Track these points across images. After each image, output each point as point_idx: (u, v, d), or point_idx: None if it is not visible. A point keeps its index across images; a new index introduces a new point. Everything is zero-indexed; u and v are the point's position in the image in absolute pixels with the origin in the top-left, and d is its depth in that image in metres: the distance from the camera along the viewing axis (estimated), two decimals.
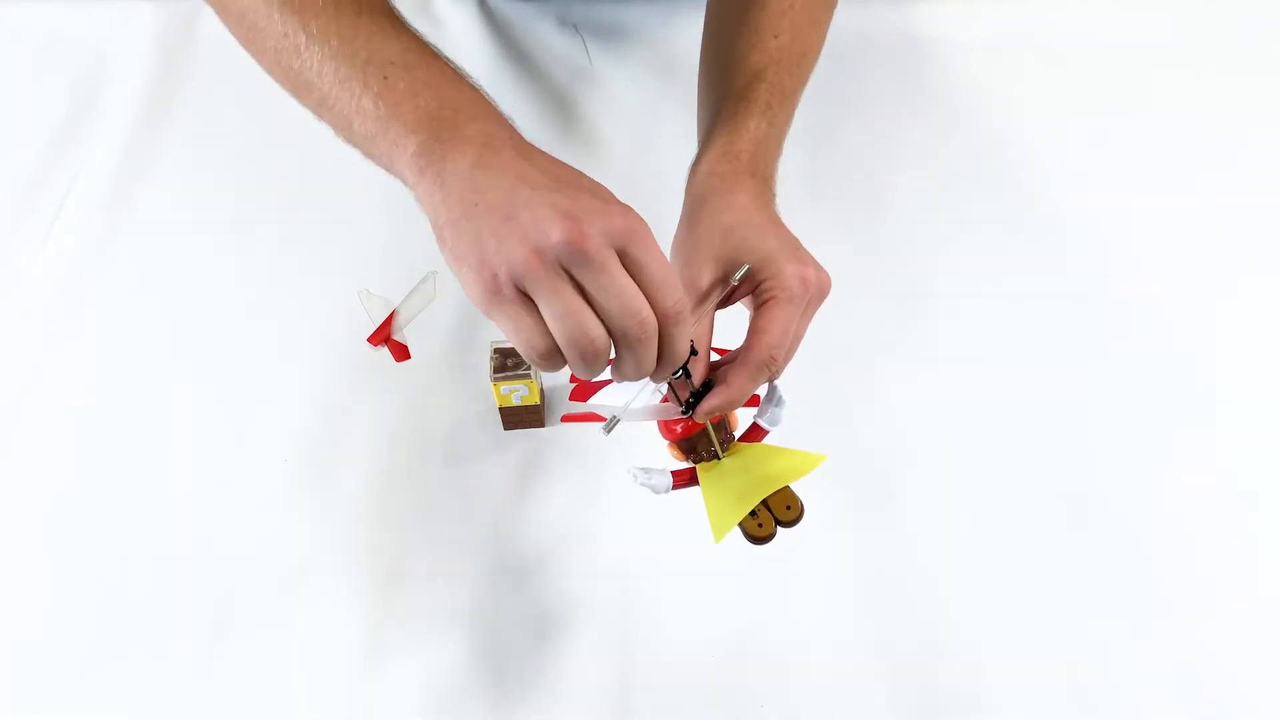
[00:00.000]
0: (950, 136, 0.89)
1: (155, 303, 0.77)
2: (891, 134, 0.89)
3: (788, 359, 0.52)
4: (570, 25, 0.96)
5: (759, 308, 0.51)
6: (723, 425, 0.55)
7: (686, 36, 0.95)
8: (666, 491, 0.54)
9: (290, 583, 0.64)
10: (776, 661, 0.60)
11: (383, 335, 0.75)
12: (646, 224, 0.43)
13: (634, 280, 0.42)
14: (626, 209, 0.43)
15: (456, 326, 0.76)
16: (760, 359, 0.50)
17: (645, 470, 0.53)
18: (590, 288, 0.42)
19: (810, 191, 0.83)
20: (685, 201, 0.57)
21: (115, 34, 0.95)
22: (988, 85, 0.93)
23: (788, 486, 0.52)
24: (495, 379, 0.65)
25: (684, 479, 0.54)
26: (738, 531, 0.52)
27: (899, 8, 0.99)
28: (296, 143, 0.87)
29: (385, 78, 0.51)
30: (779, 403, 0.54)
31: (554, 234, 0.41)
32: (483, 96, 0.52)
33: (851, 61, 0.93)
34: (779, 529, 0.52)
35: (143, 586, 0.64)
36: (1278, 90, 0.93)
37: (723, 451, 0.54)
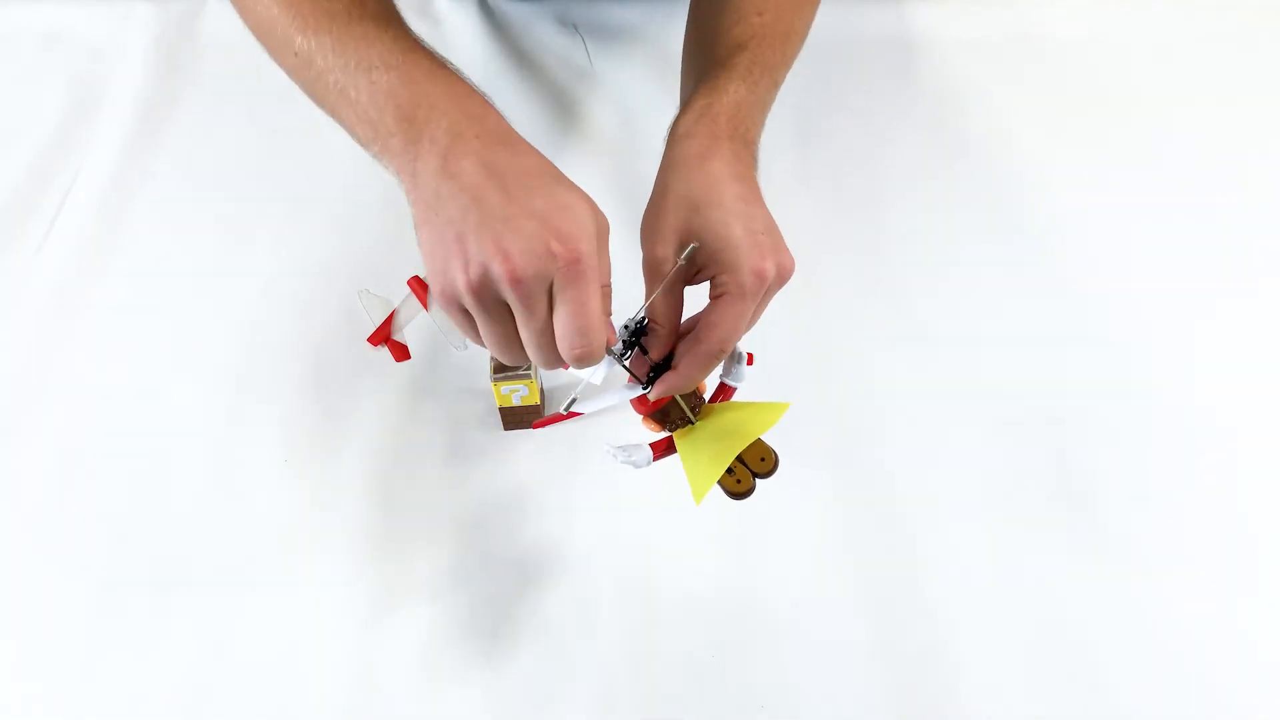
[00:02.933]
0: (945, 135, 0.89)
1: (155, 302, 0.77)
2: (886, 132, 0.89)
3: (741, 336, 0.53)
4: (570, 25, 0.96)
5: (713, 300, 0.51)
6: (692, 391, 0.56)
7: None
8: (648, 464, 0.55)
9: (290, 582, 0.64)
10: (777, 661, 0.60)
11: (383, 335, 0.75)
12: (591, 251, 0.45)
13: (554, 316, 0.46)
14: (573, 237, 0.45)
15: None
16: (710, 350, 0.51)
17: (624, 448, 0.54)
18: (516, 315, 0.47)
19: (804, 189, 0.83)
20: (660, 165, 0.56)
21: (115, 34, 0.96)
22: (983, 84, 0.93)
23: (760, 439, 0.53)
24: (495, 379, 0.65)
25: (662, 448, 0.55)
26: (720, 495, 0.53)
27: (895, 7, 0.99)
28: (296, 143, 0.88)
29: (371, 81, 0.53)
30: (739, 359, 0.55)
31: (492, 268, 0.45)
32: (458, 86, 0.53)
33: (846, 60, 0.93)
34: (757, 481, 0.53)
35: (142, 586, 0.64)
36: (1274, 91, 0.93)
37: (694, 416, 0.55)
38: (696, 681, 0.60)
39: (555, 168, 0.49)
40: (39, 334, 0.75)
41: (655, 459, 0.55)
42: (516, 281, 0.45)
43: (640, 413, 0.56)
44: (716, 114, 0.56)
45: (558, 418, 0.58)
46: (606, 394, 0.55)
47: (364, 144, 0.55)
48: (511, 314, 0.47)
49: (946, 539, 0.65)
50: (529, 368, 0.65)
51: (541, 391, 0.68)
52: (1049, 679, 0.60)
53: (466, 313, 0.49)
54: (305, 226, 0.82)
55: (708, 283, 0.52)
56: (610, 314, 0.49)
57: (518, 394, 0.66)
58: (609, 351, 0.50)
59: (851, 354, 0.74)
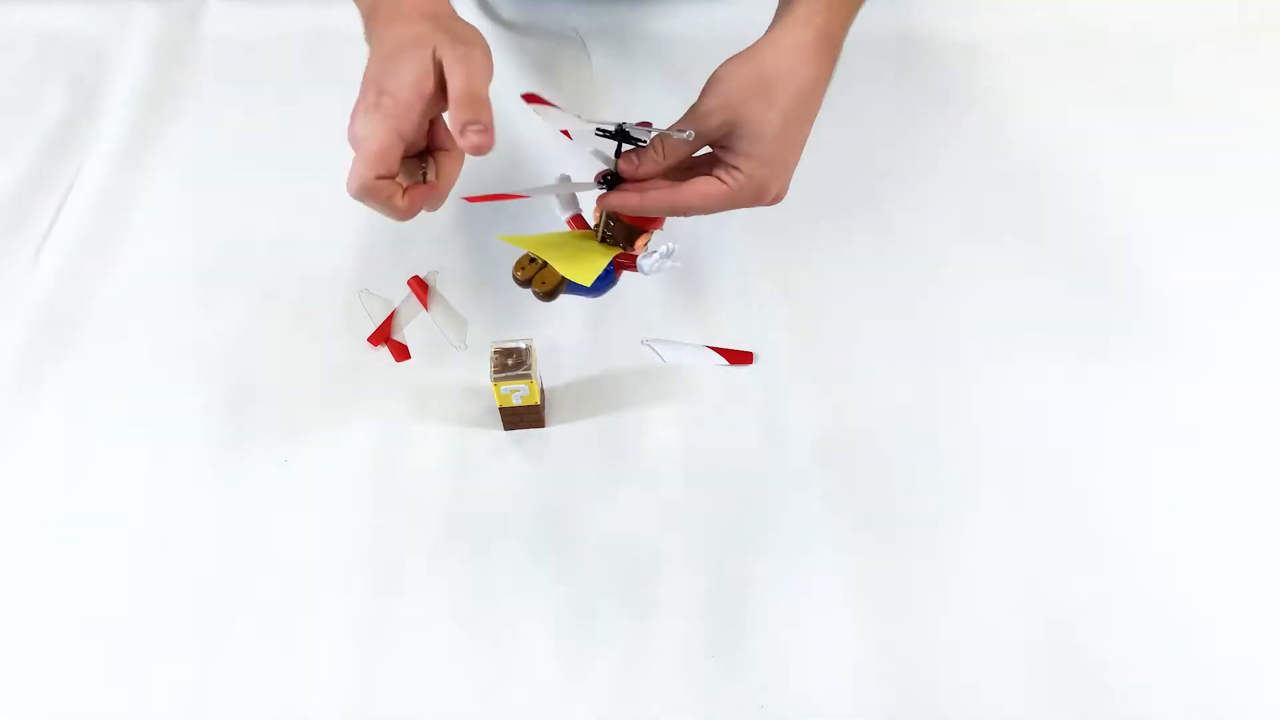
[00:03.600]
0: (950, 134, 0.89)
1: (155, 302, 0.77)
2: (890, 132, 0.89)
3: (700, 214, 0.59)
4: (570, 26, 0.96)
5: (711, 177, 0.56)
6: (624, 230, 0.61)
7: (686, 36, 0.95)
8: (562, 216, 0.64)
9: (290, 582, 0.64)
10: (777, 661, 0.60)
11: (383, 335, 0.75)
12: (373, 186, 0.54)
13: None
14: (357, 175, 0.54)
15: None
16: (677, 204, 0.57)
17: (579, 186, 0.62)
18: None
19: (808, 192, 0.82)
20: (769, 32, 0.58)
21: (115, 34, 0.96)
22: (987, 83, 0.93)
23: (558, 271, 0.60)
24: (495, 379, 0.65)
25: (574, 224, 0.64)
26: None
27: (896, 7, 0.99)
28: (296, 142, 0.88)
29: None
30: (666, 255, 0.59)
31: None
32: None
33: (849, 61, 0.93)
34: (530, 289, 0.62)
35: (142, 586, 0.64)
36: (1275, 90, 0.93)
37: (600, 236, 0.62)
38: (696, 681, 0.60)
39: (409, 28, 0.55)
40: (39, 335, 0.75)
41: (567, 220, 0.64)
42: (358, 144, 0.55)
43: (571, 227, 0.64)
44: (830, 15, 0.58)
45: (498, 197, 0.61)
46: (564, 185, 0.62)
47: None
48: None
49: (947, 539, 0.65)
50: (529, 367, 0.65)
51: (542, 391, 0.68)
52: (1049, 679, 0.60)
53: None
54: (305, 226, 0.82)
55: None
56: (470, 121, 0.51)
57: (518, 394, 0.66)
58: (592, 123, 0.55)
59: (848, 353, 0.74)
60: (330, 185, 0.84)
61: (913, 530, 0.66)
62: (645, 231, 0.61)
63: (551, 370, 0.73)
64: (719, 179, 0.56)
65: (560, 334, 0.74)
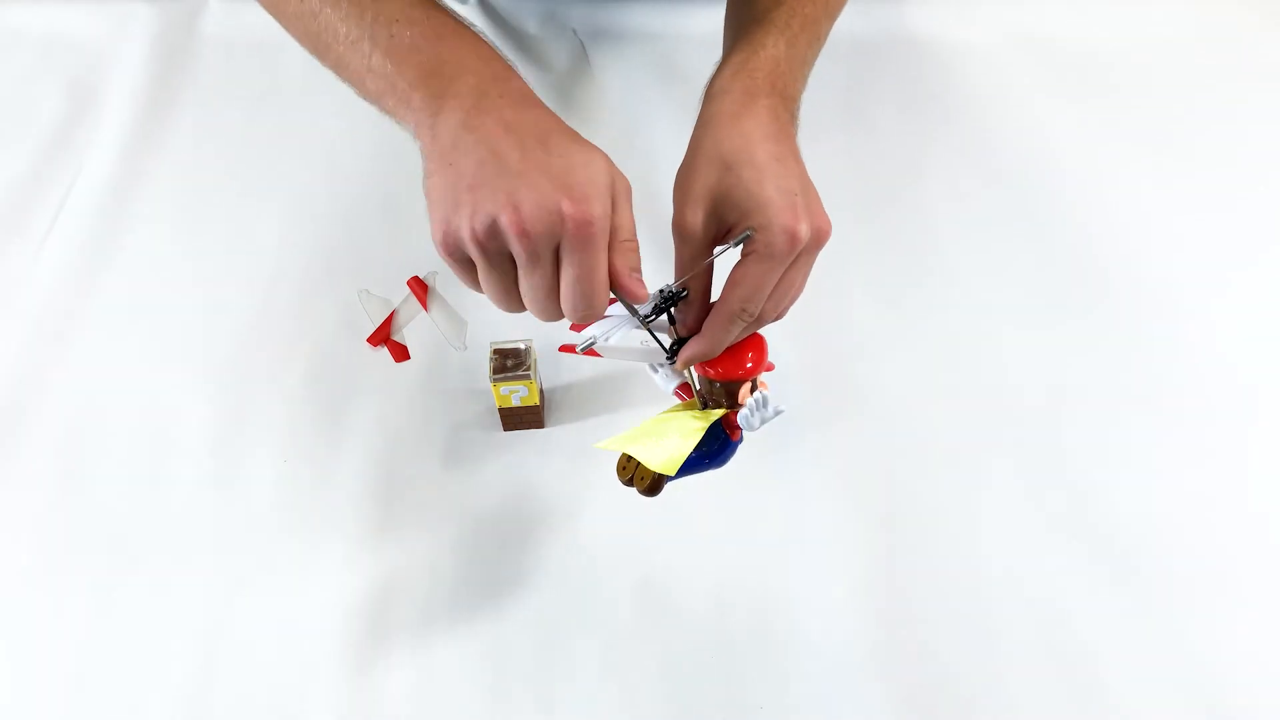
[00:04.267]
0: (950, 136, 0.89)
1: (155, 302, 0.77)
2: (890, 134, 0.89)
3: (781, 307, 0.52)
4: (569, 27, 0.96)
5: (742, 258, 0.50)
6: (722, 388, 0.54)
7: (684, 36, 0.95)
8: (668, 389, 0.57)
9: (290, 582, 0.64)
10: (777, 661, 0.60)
11: (382, 335, 0.75)
12: (602, 214, 0.45)
13: (559, 275, 0.46)
14: (586, 198, 0.44)
15: None
16: (732, 310, 0.50)
17: (663, 363, 0.54)
18: (520, 269, 0.47)
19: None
20: (696, 122, 0.54)
21: (115, 34, 0.96)
22: (987, 85, 0.93)
23: (641, 464, 0.53)
24: (495, 379, 0.65)
25: (683, 393, 0.57)
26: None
27: (896, 7, 0.99)
28: (296, 143, 0.88)
29: (391, 35, 0.53)
30: (761, 405, 0.51)
31: (501, 221, 0.45)
32: (482, 46, 0.53)
33: (850, 62, 0.94)
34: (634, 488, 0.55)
35: (141, 586, 0.64)
36: (1278, 89, 0.93)
37: (705, 405, 0.55)
38: (696, 681, 0.60)
39: (574, 131, 0.49)
40: (39, 334, 0.75)
41: (675, 391, 0.57)
42: (523, 235, 0.44)
43: (681, 399, 0.57)
44: (753, 69, 0.55)
45: (574, 349, 0.56)
46: (633, 347, 0.54)
47: (373, 97, 0.54)
48: (514, 266, 0.47)
49: (951, 539, 0.65)
50: (529, 368, 0.65)
51: (541, 392, 0.68)
52: (1050, 679, 0.60)
53: (468, 262, 0.48)
54: (305, 227, 0.82)
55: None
56: (638, 270, 0.48)
57: (517, 394, 0.66)
58: (632, 311, 0.49)
59: (855, 355, 0.74)
60: (330, 185, 0.85)
61: (914, 529, 0.66)
62: (743, 381, 0.54)
63: (551, 371, 0.73)
64: (753, 250, 0.49)
65: (560, 334, 0.74)
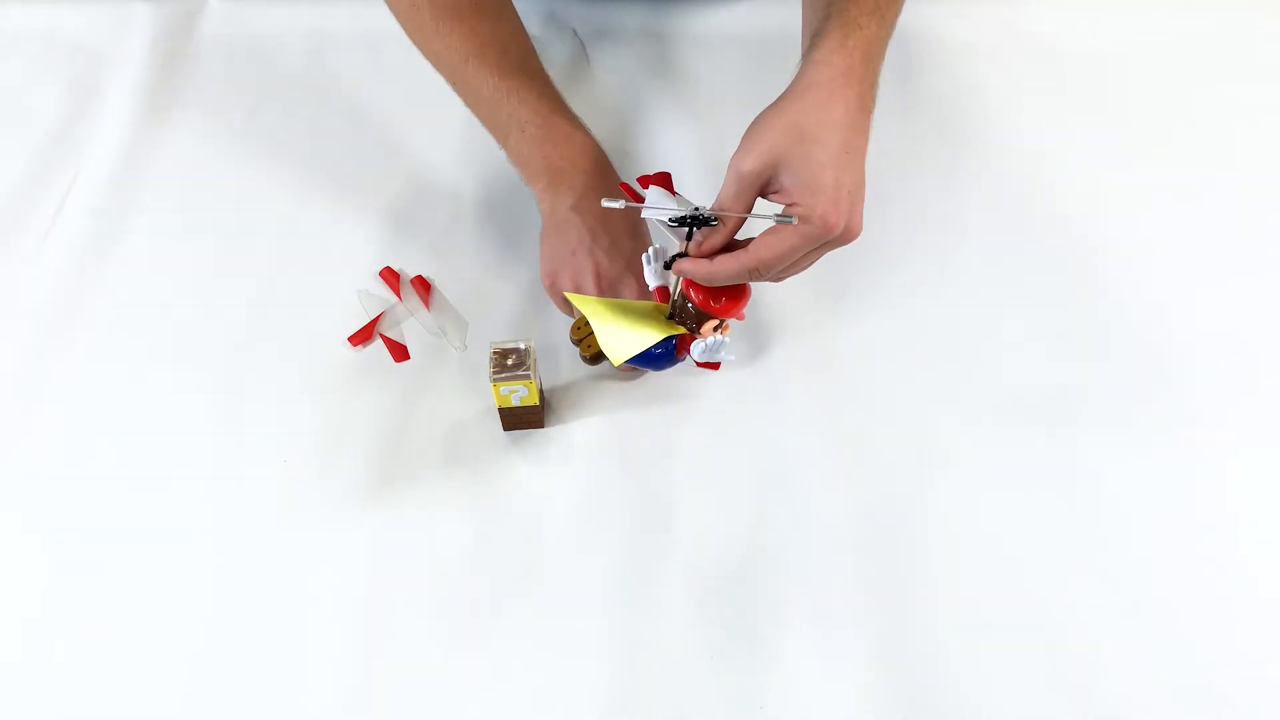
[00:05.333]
0: (948, 135, 0.89)
1: (155, 303, 0.77)
2: (888, 133, 0.88)
3: (781, 278, 0.59)
4: (569, 27, 0.96)
5: (779, 227, 0.54)
6: (692, 310, 0.61)
7: (685, 36, 0.95)
8: (651, 283, 0.64)
9: (290, 582, 0.64)
10: (777, 661, 0.60)
11: (365, 335, 0.75)
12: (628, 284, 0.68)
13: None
14: (622, 272, 0.69)
15: None
16: (748, 264, 0.55)
17: (666, 259, 0.61)
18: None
19: None
20: (792, 83, 0.57)
21: (114, 34, 0.95)
22: (984, 86, 0.93)
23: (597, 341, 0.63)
24: (495, 379, 0.65)
25: (660, 296, 0.64)
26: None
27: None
28: (296, 143, 0.88)
29: (522, 132, 0.72)
30: (716, 347, 0.59)
31: (587, 279, 0.69)
32: (591, 147, 0.73)
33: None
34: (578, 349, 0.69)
35: (141, 586, 0.64)
36: (1277, 92, 0.93)
37: (671, 316, 0.63)
38: (696, 681, 0.60)
39: (642, 222, 0.71)
40: (39, 334, 0.75)
41: (653, 288, 0.64)
42: (601, 281, 0.69)
43: (656, 299, 0.64)
44: (852, 49, 0.57)
45: (631, 193, 0.63)
46: (662, 221, 0.59)
47: (508, 157, 0.74)
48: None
49: (950, 539, 0.65)
50: (528, 368, 0.65)
51: (541, 392, 0.68)
52: (1050, 680, 0.60)
53: (560, 297, 0.70)
54: (304, 226, 0.82)
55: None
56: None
57: (517, 394, 0.66)
58: (663, 221, 0.57)
59: (853, 354, 0.74)
60: (330, 185, 0.85)
61: (916, 530, 0.66)
62: (714, 320, 0.60)
63: (551, 371, 0.73)
64: (789, 223, 0.54)
65: (560, 335, 0.74)
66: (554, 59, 0.94)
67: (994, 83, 0.93)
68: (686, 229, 0.57)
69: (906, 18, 0.98)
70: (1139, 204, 0.84)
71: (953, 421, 0.71)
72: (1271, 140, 0.89)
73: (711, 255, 0.58)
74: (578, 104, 0.82)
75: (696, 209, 0.56)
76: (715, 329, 0.59)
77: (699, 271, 0.58)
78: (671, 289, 0.63)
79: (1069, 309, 0.77)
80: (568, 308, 0.70)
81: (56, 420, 0.71)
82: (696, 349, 0.60)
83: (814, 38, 0.59)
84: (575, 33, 0.96)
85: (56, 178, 0.85)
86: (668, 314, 0.63)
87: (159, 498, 0.67)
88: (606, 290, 0.67)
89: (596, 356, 0.68)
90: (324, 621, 0.62)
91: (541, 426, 0.71)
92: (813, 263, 0.58)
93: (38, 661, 0.61)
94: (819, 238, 0.54)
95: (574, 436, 0.70)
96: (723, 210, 0.56)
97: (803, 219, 0.53)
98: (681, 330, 0.61)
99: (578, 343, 0.69)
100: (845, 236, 0.54)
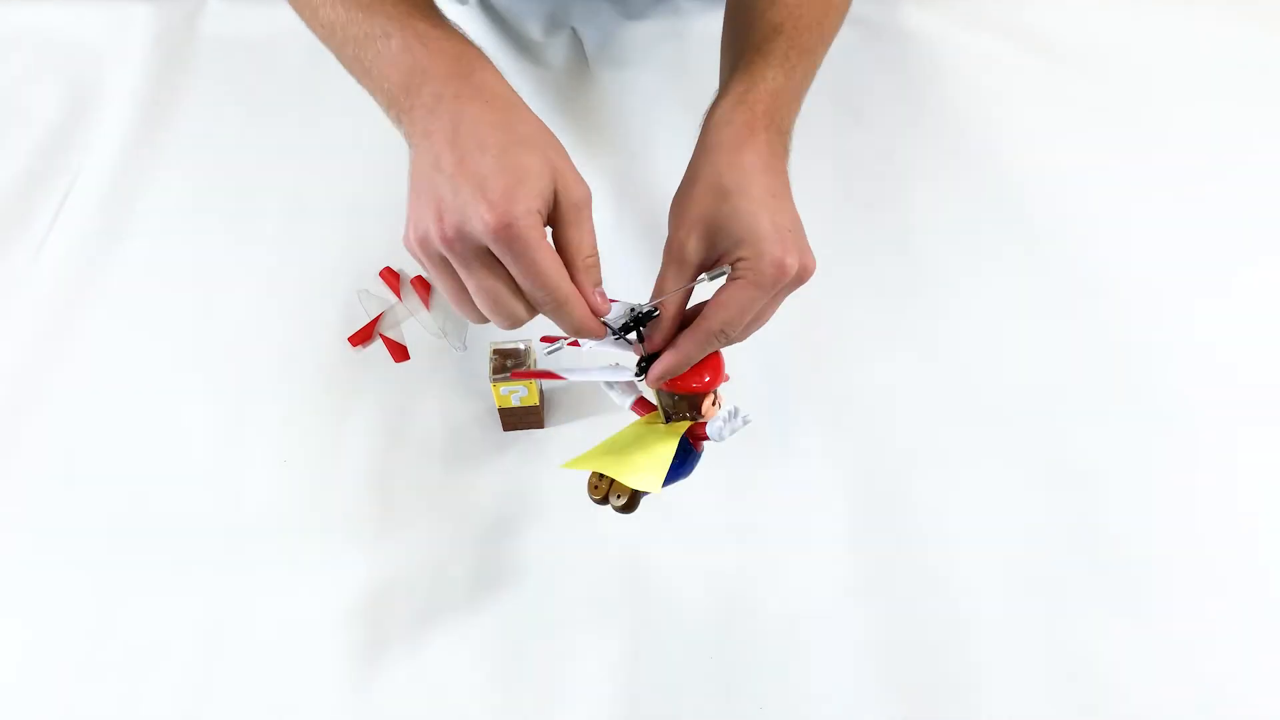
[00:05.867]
0: (947, 138, 0.89)
1: (155, 302, 0.77)
2: (885, 133, 0.89)
3: (747, 333, 0.53)
4: (569, 27, 0.96)
5: (729, 284, 0.51)
6: (685, 401, 0.54)
7: (684, 36, 0.95)
8: (624, 404, 0.57)
9: (289, 582, 0.64)
10: (777, 661, 0.60)
11: (364, 336, 0.75)
12: (524, 214, 0.45)
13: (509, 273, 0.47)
14: (504, 201, 0.45)
15: None
16: (712, 329, 0.51)
17: (618, 373, 0.55)
18: (460, 274, 0.48)
19: (804, 192, 0.83)
20: (695, 149, 0.56)
21: (114, 35, 0.96)
22: (986, 87, 0.93)
23: (616, 480, 0.53)
24: (495, 380, 0.65)
25: (640, 408, 0.57)
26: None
27: (897, 8, 0.99)
28: (296, 143, 0.88)
29: (378, 51, 0.55)
30: (732, 416, 0.52)
31: (430, 230, 0.47)
32: (451, 46, 0.54)
33: (848, 62, 0.93)
34: (609, 505, 0.55)
35: (141, 586, 0.64)
36: (1277, 92, 0.93)
37: (669, 418, 0.55)
38: (696, 681, 0.60)
39: (528, 126, 0.50)
40: (39, 334, 0.75)
41: (631, 408, 0.57)
42: (446, 243, 0.47)
43: (639, 414, 0.57)
44: (753, 102, 0.56)
45: (537, 374, 0.58)
46: (598, 366, 0.55)
47: (384, 110, 0.56)
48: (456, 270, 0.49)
49: (949, 540, 0.65)
50: (527, 369, 0.65)
51: (540, 393, 0.68)
52: (1051, 679, 0.60)
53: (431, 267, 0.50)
54: (305, 226, 0.82)
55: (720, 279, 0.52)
56: (598, 284, 0.50)
57: (517, 395, 0.66)
58: (604, 323, 0.51)
59: (855, 355, 0.74)
60: (330, 185, 0.85)
61: (915, 530, 0.66)
62: (706, 395, 0.54)
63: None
64: (740, 277, 0.51)
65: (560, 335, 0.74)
66: (554, 59, 0.94)
67: (992, 84, 0.93)
68: (635, 333, 0.53)
69: (907, 18, 0.99)
70: (1136, 204, 0.84)
71: (953, 419, 0.71)
72: (1272, 141, 0.89)
73: (666, 343, 0.53)
74: (578, 104, 0.83)
75: (633, 309, 0.52)
76: (713, 404, 0.55)
77: (671, 365, 0.52)
78: (650, 396, 0.57)
79: (1069, 309, 0.77)
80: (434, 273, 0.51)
81: (55, 420, 0.71)
82: (714, 430, 0.53)
83: (716, 95, 0.59)
84: (575, 32, 0.96)
85: (56, 178, 0.85)
86: (663, 419, 0.56)
87: (158, 498, 0.67)
88: (454, 240, 0.46)
89: (632, 500, 0.55)
90: (324, 622, 0.62)
91: (541, 426, 0.70)
92: (772, 313, 0.54)
93: (34, 664, 0.61)
94: (774, 283, 0.50)
95: (574, 436, 0.70)
96: (663, 296, 0.52)
97: (752, 269, 0.50)
98: (686, 424, 0.55)
99: (603, 500, 0.56)
100: (800, 275, 0.51)
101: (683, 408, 0.55)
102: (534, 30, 0.96)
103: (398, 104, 0.53)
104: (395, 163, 0.85)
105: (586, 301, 0.49)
